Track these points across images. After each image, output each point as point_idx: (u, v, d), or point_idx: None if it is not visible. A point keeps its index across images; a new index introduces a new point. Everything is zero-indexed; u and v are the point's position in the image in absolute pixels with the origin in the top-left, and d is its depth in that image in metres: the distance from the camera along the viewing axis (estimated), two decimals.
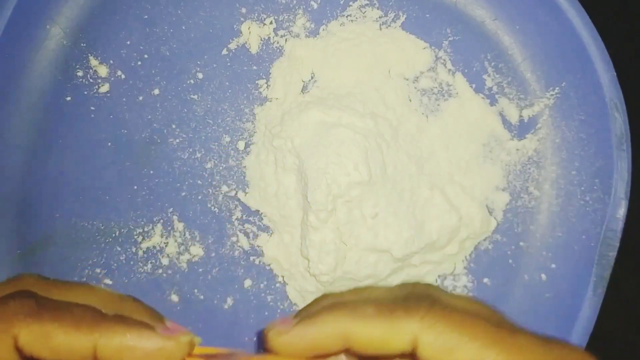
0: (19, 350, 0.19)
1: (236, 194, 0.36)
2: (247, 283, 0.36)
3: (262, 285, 0.36)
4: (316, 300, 0.24)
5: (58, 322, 0.19)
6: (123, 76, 0.37)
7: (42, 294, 0.20)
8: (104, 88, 0.36)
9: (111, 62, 0.37)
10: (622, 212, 0.33)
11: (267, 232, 0.36)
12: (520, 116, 0.36)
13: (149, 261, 0.36)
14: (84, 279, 0.35)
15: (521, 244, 0.36)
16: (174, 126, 0.36)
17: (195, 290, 0.36)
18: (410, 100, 0.36)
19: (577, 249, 0.34)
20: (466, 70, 0.36)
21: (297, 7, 0.37)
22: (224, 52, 0.37)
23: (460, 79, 0.36)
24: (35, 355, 0.19)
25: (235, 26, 0.37)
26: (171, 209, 0.36)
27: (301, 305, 0.36)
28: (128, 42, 0.37)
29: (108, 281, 0.36)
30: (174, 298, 0.36)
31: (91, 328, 0.19)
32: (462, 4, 0.36)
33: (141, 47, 0.37)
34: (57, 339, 0.19)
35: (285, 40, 0.37)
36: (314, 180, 0.34)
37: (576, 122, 0.35)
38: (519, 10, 0.35)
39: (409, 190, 0.35)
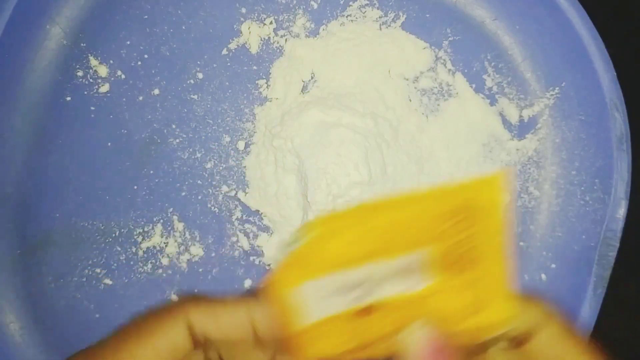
0: (191, 331, 0.22)
1: (236, 194, 0.36)
2: (247, 283, 0.36)
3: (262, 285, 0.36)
4: None
5: (222, 303, 0.23)
6: (123, 76, 0.37)
7: None
8: (104, 88, 0.36)
9: (111, 62, 0.37)
10: (622, 212, 0.33)
11: (267, 232, 0.36)
12: (520, 116, 0.36)
13: (149, 261, 0.36)
14: (84, 279, 0.35)
15: (521, 244, 0.36)
16: (174, 126, 0.36)
17: (195, 290, 0.36)
18: (410, 100, 0.36)
19: (577, 249, 0.34)
20: (466, 70, 0.36)
21: (297, 7, 0.37)
22: (224, 52, 0.37)
23: (460, 79, 0.36)
24: (205, 333, 0.22)
25: (235, 26, 0.37)
26: (171, 209, 0.36)
27: None
28: (128, 42, 0.37)
29: (108, 281, 0.36)
30: (174, 298, 0.36)
31: (248, 305, 0.23)
32: (462, 4, 0.36)
33: (141, 47, 0.37)
34: (223, 317, 0.22)
35: (285, 40, 0.37)
36: (314, 180, 0.34)
37: (576, 122, 0.35)
38: (519, 10, 0.35)
39: (409, 190, 0.34)
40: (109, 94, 0.36)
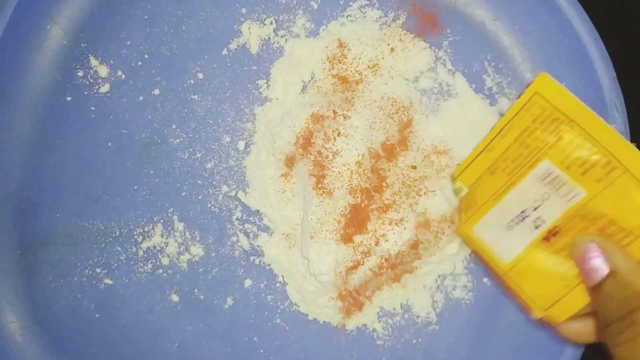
0: None
1: (236, 194, 0.36)
2: (247, 283, 0.36)
3: (262, 285, 0.36)
4: None
5: None
6: (123, 76, 0.37)
7: None
8: (104, 88, 0.36)
9: (111, 62, 0.37)
10: None
11: (267, 232, 0.36)
12: None
13: (149, 261, 0.36)
14: (84, 279, 0.35)
15: None
16: (174, 126, 0.36)
17: (195, 290, 0.36)
18: (410, 100, 0.36)
19: None
20: (466, 70, 0.36)
21: (297, 7, 0.37)
22: (224, 52, 0.37)
23: (460, 79, 0.36)
24: None
25: (235, 26, 0.37)
26: (171, 209, 0.36)
27: (301, 306, 0.36)
28: (128, 42, 0.37)
29: (108, 281, 0.36)
30: (174, 298, 0.36)
31: None
32: (462, 4, 0.36)
33: (141, 47, 0.37)
34: None
35: (285, 40, 0.37)
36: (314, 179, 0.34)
37: None
38: (519, 10, 0.35)
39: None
40: (109, 94, 0.36)
